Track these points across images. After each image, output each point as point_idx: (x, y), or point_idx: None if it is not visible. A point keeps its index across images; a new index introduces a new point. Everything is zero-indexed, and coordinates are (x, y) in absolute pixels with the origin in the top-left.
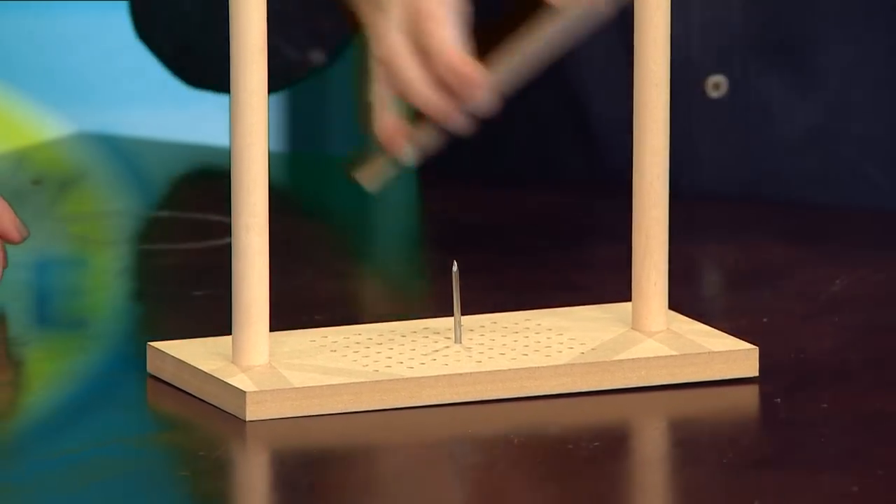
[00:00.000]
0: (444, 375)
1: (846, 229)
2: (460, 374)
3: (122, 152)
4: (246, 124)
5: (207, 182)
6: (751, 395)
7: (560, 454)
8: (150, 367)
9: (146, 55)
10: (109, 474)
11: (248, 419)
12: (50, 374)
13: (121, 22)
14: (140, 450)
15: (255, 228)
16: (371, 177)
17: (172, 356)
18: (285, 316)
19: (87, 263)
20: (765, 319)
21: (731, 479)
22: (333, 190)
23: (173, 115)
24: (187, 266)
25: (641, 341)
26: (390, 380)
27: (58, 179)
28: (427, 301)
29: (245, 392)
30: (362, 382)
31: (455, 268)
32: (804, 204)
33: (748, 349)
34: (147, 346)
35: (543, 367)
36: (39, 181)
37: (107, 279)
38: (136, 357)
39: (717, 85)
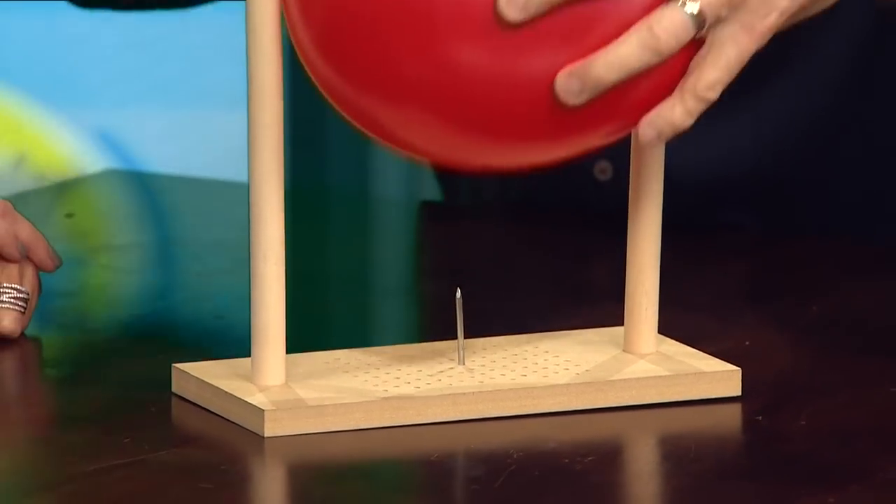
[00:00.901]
0: (449, 395)
1: (823, 258)
2: (463, 394)
3: (148, 188)
4: (262, 160)
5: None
6: (734, 412)
7: (557, 468)
8: (175, 388)
9: (147, 55)
10: (137, 491)
11: (266, 435)
12: (81, 394)
13: (122, 21)
14: (166, 463)
15: (271, 258)
16: None
17: (195, 377)
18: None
19: (115, 291)
20: (747, 342)
21: (716, 491)
22: (335, 223)
23: (173, 115)
24: (209, 293)
25: (633, 363)
26: (398, 398)
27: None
28: (433, 325)
29: (263, 410)
30: (372, 401)
31: (458, 294)
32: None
33: (731, 370)
34: (172, 368)
35: (541, 386)
36: (72, 214)
37: (133, 306)
38: (162, 378)
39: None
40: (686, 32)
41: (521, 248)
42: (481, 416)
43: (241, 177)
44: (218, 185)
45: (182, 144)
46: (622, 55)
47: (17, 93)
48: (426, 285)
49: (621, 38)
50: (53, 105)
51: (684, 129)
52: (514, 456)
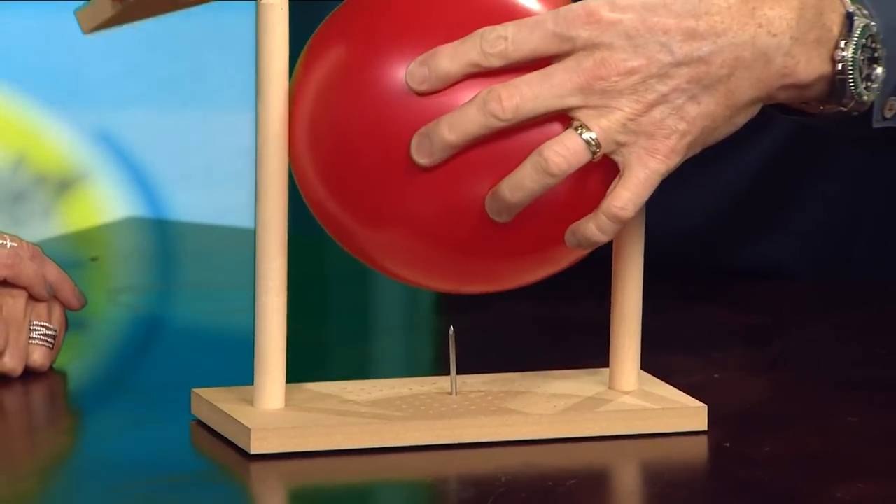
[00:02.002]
0: (431, 420)
1: (783, 299)
2: (440, 419)
3: (167, 234)
4: (268, 202)
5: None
6: (703, 441)
7: (542, 491)
8: (193, 410)
9: (147, 55)
10: (154, 502)
11: (252, 452)
12: (105, 421)
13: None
14: (181, 486)
15: (274, 290)
16: (89, 16)
17: (207, 400)
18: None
19: (135, 328)
20: (716, 375)
21: None
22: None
23: (173, 115)
24: (224, 328)
25: (614, 398)
26: (378, 421)
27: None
28: (429, 358)
29: (249, 429)
30: (353, 424)
31: (451, 331)
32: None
33: (697, 406)
34: (191, 392)
35: (522, 415)
36: (97, 258)
37: (152, 341)
38: (179, 406)
39: None
40: (579, 156)
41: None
42: (458, 442)
43: (249, 223)
44: (229, 230)
45: (182, 145)
46: (521, 178)
47: (17, 93)
48: (426, 321)
49: (523, 163)
50: (53, 105)
51: (603, 243)
52: (503, 479)
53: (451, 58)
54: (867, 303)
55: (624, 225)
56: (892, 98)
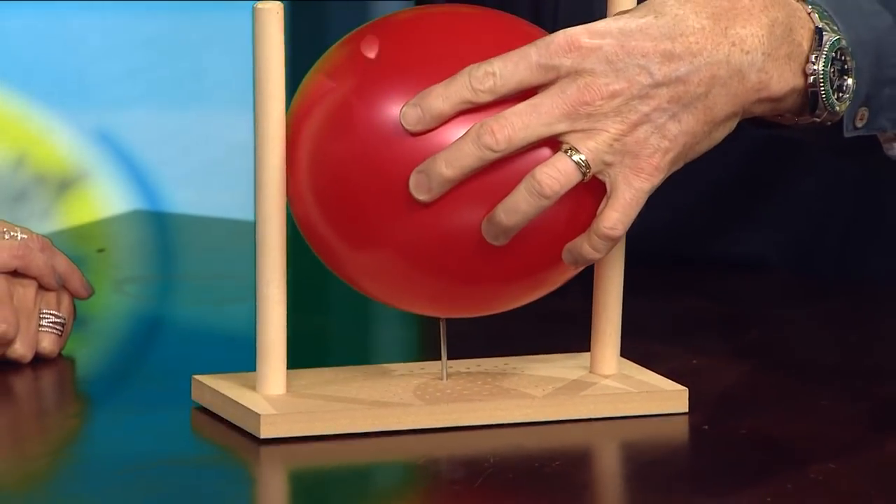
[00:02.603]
0: (424, 405)
1: (760, 290)
2: (438, 404)
3: (170, 227)
4: (267, 197)
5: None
6: (683, 423)
7: (529, 471)
8: (194, 396)
9: (147, 55)
10: (159, 488)
11: (261, 437)
12: (111, 406)
13: (122, 21)
14: (184, 468)
15: (274, 282)
16: None
17: (209, 386)
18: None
19: (140, 316)
20: (694, 361)
21: (669, 490)
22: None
23: (173, 115)
24: (224, 317)
25: (597, 381)
26: (380, 407)
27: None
28: (421, 345)
29: (260, 415)
30: (356, 409)
31: (442, 319)
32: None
33: (679, 389)
34: (191, 379)
35: (514, 398)
36: (103, 249)
37: (156, 328)
38: (182, 391)
39: None
40: (570, 178)
41: None
42: (454, 425)
43: (249, 216)
44: (229, 223)
45: (181, 144)
46: (516, 201)
47: (17, 93)
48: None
49: (517, 187)
50: (53, 105)
51: (595, 260)
52: (491, 461)
53: (443, 98)
54: (839, 293)
55: (616, 242)
56: (863, 108)
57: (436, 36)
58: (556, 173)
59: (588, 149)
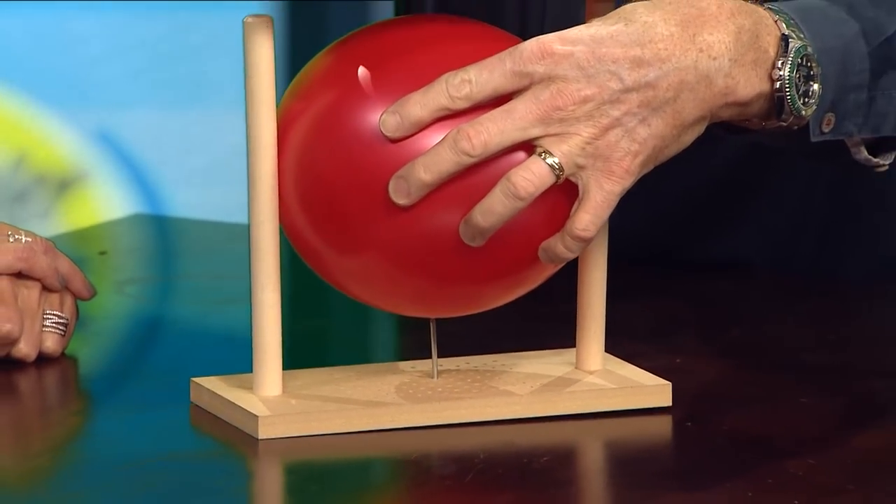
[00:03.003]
0: (416, 403)
1: (742, 289)
2: (430, 402)
3: (169, 230)
4: (260, 204)
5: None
6: (667, 420)
7: (517, 466)
8: (193, 398)
9: (147, 55)
10: (159, 483)
11: (259, 438)
12: (113, 404)
13: (122, 21)
14: (182, 464)
15: (269, 287)
16: None
17: (208, 388)
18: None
19: (140, 317)
20: (677, 360)
21: (653, 485)
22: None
23: (174, 115)
24: (221, 318)
25: (582, 377)
26: (374, 406)
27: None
28: (411, 344)
29: (258, 416)
30: (350, 408)
31: (432, 320)
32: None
33: (663, 384)
34: (190, 381)
35: (502, 396)
36: (105, 252)
37: (156, 329)
38: (181, 389)
39: None
40: (545, 180)
41: None
42: (446, 422)
43: (244, 219)
44: (226, 226)
45: (181, 144)
46: (491, 203)
47: (17, 93)
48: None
49: (493, 190)
50: (53, 105)
51: (570, 259)
52: (481, 456)
53: (421, 105)
54: (817, 293)
55: (589, 243)
56: (829, 113)
57: (415, 46)
58: (530, 175)
59: (561, 152)
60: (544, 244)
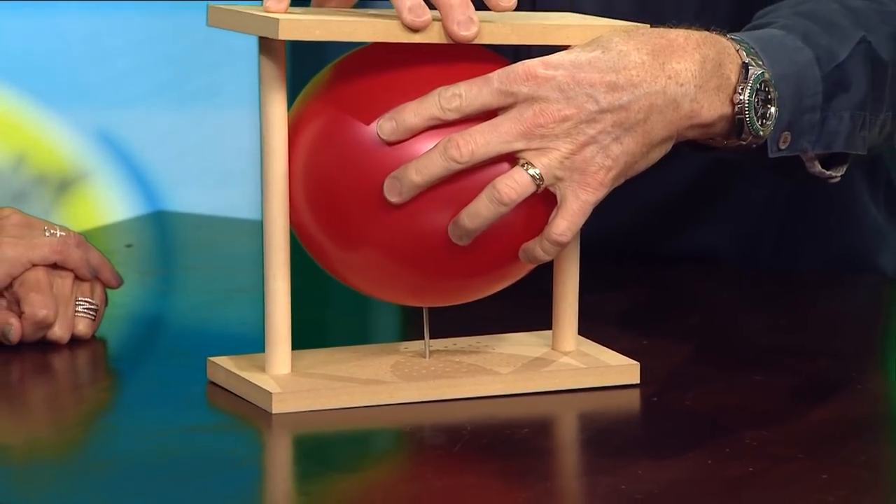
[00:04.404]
0: (413, 381)
1: (703, 279)
2: (424, 380)
3: (189, 225)
4: (272, 201)
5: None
6: (635, 396)
7: (501, 437)
8: (209, 375)
9: (147, 55)
10: (180, 451)
11: (273, 412)
12: (138, 380)
13: (122, 21)
14: (201, 434)
15: (279, 276)
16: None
17: (223, 367)
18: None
19: (163, 303)
20: (644, 342)
21: (620, 454)
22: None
23: (173, 115)
24: (235, 305)
25: (558, 358)
26: (375, 384)
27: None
28: (405, 326)
29: (271, 393)
30: (352, 385)
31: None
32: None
33: (631, 364)
34: (207, 360)
35: (487, 374)
36: (131, 245)
37: (177, 314)
38: (198, 368)
39: None
40: (526, 188)
41: None
42: (440, 398)
43: (250, 213)
44: (238, 222)
45: (182, 144)
46: (477, 207)
47: (17, 93)
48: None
49: (479, 195)
50: (53, 105)
51: (547, 260)
52: (468, 428)
53: (414, 113)
54: (772, 282)
55: (565, 246)
56: (786, 132)
57: (407, 64)
58: (513, 184)
59: (542, 164)
60: (524, 246)
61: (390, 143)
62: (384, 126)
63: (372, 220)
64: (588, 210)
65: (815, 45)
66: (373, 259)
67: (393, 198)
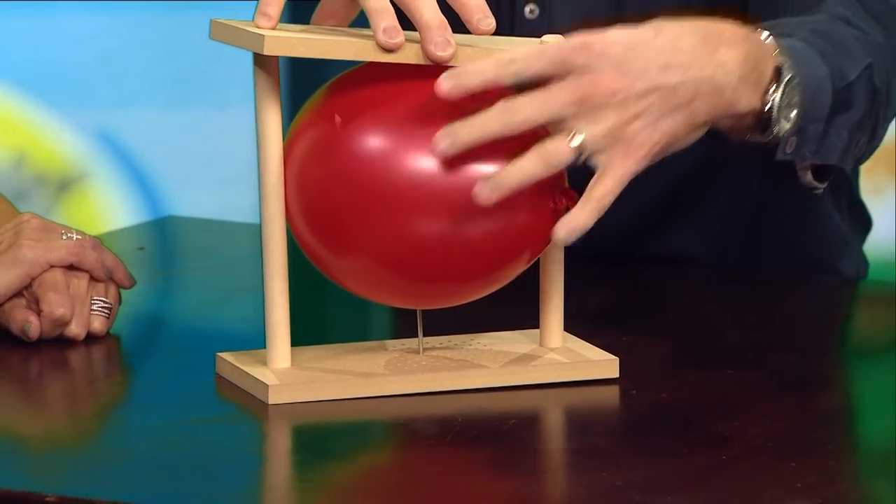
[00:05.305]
0: (403, 374)
1: (679, 279)
2: (414, 374)
3: (197, 229)
4: (270, 209)
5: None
6: (615, 389)
7: (490, 428)
8: (217, 369)
9: (147, 55)
10: (188, 441)
11: (269, 403)
12: (149, 375)
13: (122, 21)
14: (208, 425)
15: (278, 277)
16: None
17: (229, 362)
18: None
19: (173, 302)
20: (624, 338)
21: (602, 444)
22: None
23: (173, 115)
24: (240, 304)
25: (544, 354)
26: (367, 376)
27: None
28: (401, 325)
29: (268, 385)
30: (348, 378)
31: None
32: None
33: (612, 359)
34: (215, 355)
35: (476, 368)
36: (143, 248)
37: (186, 313)
38: (206, 363)
39: None
40: (570, 156)
41: None
42: (428, 391)
43: (249, 215)
44: (239, 226)
45: (182, 144)
46: (523, 163)
47: (17, 93)
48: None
49: (526, 153)
50: (53, 105)
51: (586, 230)
52: (459, 420)
53: (474, 73)
54: (741, 282)
55: (602, 213)
56: (793, 137)
57: (400, 81)
58: (562, 148)
59: (589, 133)
60: (562, 221)
61: (450, 98)
62: (443, 83)
63: (364, 230)
64: (627, 179)
65: (830, 63)
66: (365, 265)
67: (442, 146)
